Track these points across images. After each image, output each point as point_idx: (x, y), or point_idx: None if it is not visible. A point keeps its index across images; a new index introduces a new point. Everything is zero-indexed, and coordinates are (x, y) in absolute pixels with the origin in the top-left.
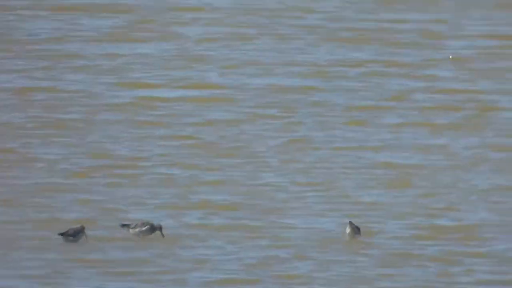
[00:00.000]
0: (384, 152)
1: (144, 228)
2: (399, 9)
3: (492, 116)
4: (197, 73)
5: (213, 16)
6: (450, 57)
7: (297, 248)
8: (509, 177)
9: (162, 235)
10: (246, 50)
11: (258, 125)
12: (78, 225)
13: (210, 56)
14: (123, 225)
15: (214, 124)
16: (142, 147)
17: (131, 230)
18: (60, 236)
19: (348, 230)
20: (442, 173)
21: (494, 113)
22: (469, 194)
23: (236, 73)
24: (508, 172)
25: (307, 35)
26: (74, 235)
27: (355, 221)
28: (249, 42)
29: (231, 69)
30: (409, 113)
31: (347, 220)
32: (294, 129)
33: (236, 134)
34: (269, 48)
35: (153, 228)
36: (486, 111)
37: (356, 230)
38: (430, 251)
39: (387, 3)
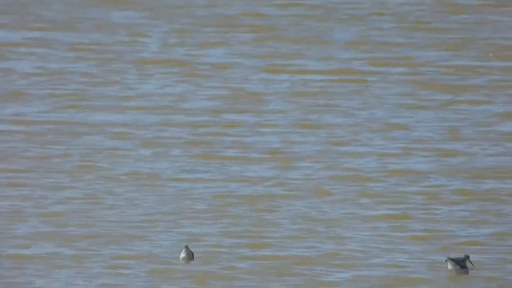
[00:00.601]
0: (205, 183)
1: None
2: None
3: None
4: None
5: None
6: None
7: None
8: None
9: None
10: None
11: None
12: None
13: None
14: None
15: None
16: None
17: None
18: None
19: (183, 254)
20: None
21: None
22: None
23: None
24: (309, 199)
25: (128, 65)
26: None
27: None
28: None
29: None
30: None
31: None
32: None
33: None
34: (97, 82)
35: None
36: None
37: (190, 255)
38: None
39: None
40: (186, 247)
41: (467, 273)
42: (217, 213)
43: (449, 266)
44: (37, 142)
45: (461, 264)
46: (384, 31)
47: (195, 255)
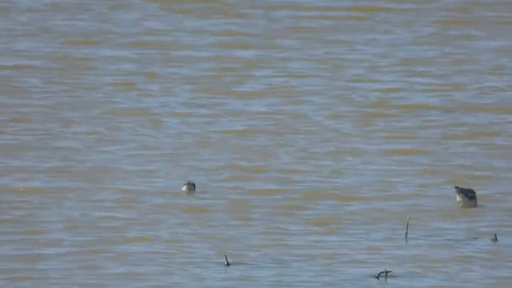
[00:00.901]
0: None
1: None
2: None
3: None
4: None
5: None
6: None
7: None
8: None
9: None
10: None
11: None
12: None
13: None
14: None
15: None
16: None
17: None
18: None
19: (184, 188)
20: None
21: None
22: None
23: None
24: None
25: (133, 1)
26: None
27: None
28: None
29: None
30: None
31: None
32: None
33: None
34: (102, 19)
35: None
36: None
37: (192, 188)
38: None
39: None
40: (189, 182)
41: (475, 205)
42: (222, 147)
43: (457, 197)
44: (43, 77)
45: (469, 195)
46: None
47: (197, 189)
